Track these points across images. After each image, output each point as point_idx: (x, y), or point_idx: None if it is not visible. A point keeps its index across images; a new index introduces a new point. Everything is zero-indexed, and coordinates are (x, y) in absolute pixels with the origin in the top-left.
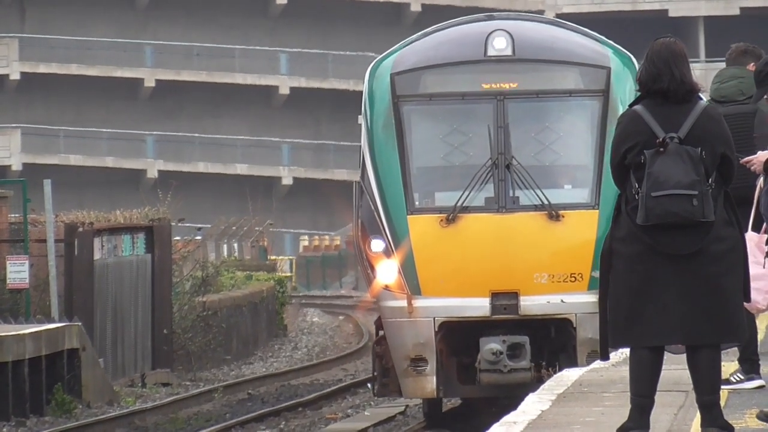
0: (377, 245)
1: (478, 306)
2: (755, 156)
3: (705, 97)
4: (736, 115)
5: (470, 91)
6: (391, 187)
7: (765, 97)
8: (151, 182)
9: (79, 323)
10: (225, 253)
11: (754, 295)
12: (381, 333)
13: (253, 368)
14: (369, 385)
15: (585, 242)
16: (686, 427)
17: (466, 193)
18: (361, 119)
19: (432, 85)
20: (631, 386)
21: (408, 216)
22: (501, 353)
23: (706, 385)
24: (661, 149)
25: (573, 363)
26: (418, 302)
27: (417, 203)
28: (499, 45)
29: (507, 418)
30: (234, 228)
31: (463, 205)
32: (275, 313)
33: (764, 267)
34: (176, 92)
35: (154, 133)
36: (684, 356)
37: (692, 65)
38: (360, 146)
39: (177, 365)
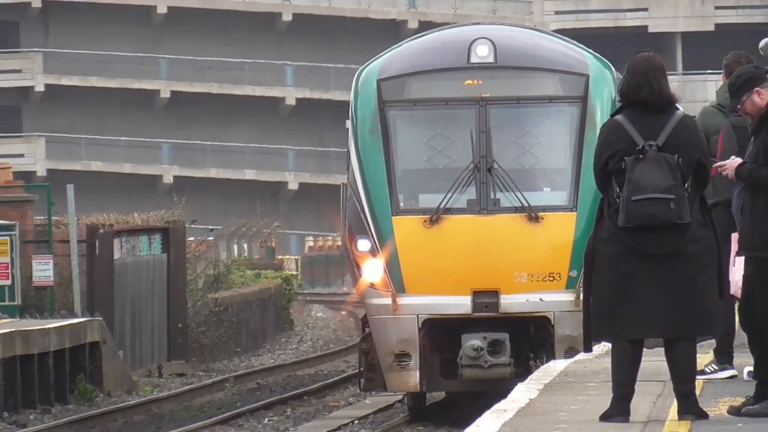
0: (363, 245)
1: (460, 304)
2: (728, 161)
3: (682, 108)
4: (745, 128)
5: (453, 97)
6: (377, 189)
7: (738, 107)
8: (166, 187)
9: (100, 318)
10: (235, 253)
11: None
12: (367, 330)
13: (262, 360)
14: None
15: (563, 243)
16: (664, 414)
17: (449, 195)
18: (348, 123)
19: (416, 90)
20: (612, 376)
21: (393, 217)
22: (482, 349)
23: (683, 375)
24: (641, 156)
25: (551, 359)
26: (403, 300)
27: (402, 205)
28: (482, 52)
29: (498, 406)
30: (243, 229)
31: (446, 206)
32: (282, 309)
33: (733, 265)
34: (189, 103)
35: (169, 141)
36: (661, 349)
37: (670, 78)
38: (347, 150)
39: (191, 357)
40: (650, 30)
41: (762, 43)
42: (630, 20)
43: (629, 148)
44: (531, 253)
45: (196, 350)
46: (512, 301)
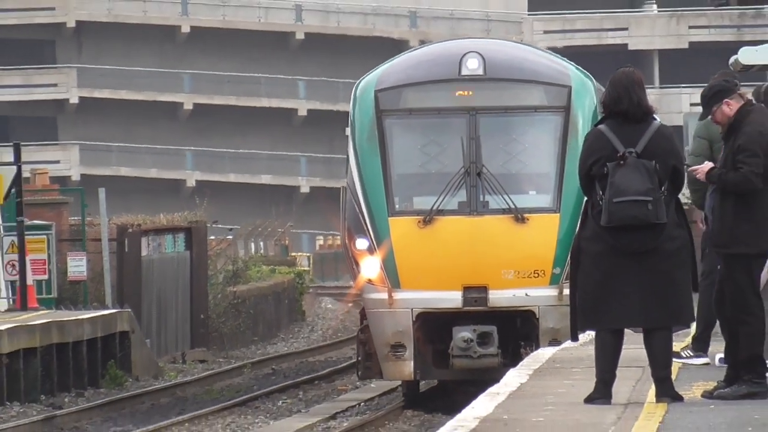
0: (362, 244)
1: (452, 298)
2: (700, 166)
3: (659, 118)
4: None
5: (445, 107)
6: (374, 192)
7: (709, 117)
8: (189, 190)
9: (129, 310)
10: (252, 251)
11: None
12: (365, 322)
13: (277, 347)
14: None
15: (547, 242)
16: (643, 397)
17: (441, 197)
18: (348, 131)
19: (411, 100)
20: (596, 363)
21: (389, 218)
22: (471, 341)
23: (660, 361)
24: (622, 162)
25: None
26: (398, 295)
27: (397, 206)
28: (472, 65)
29: (491, 390)
30: (260, 229)
31: (439, 208)
32: (295, 301)
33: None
34: (210, 114)
35: (192, 148)
36: (641, 336)
37: (648, 91)
38: (347, 155)
39: (212, 345)
40: (630, 47)
41: (732, 59)
42: (611, 39)
43: (611, 155)
44: (517, 251)
45: (217, 339)
46: (500, 296)
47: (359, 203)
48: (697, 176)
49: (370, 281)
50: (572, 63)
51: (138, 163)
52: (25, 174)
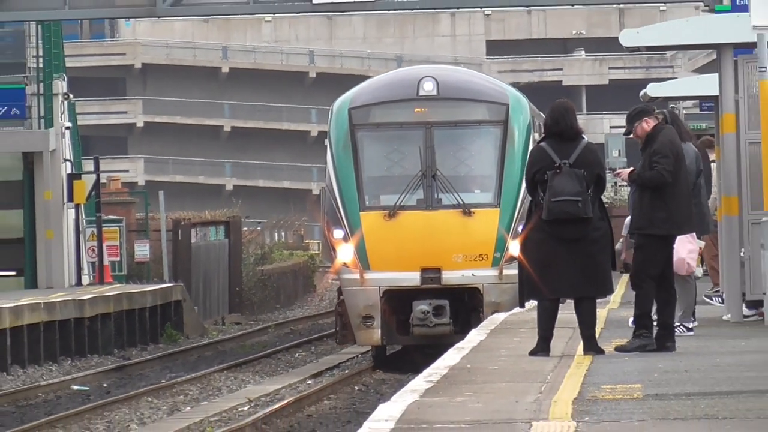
0: (338, 234)
1: (412, 278)
2: (623, 169)
3: (586, 137)
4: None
5: (406, 121)
6: (348, 191)
7: (632, 131)
8: (228, 193)
9: (182, 284)
10: (276, 239)
11: (689, 261)
12: (341, 298)
13: (294, 313)
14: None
15: (490, 232)
16: (574, 351)
17: (403, 195)
18: (326, 142)
19: (379, 116)
20: (538, 324)
21: (361, 212)
22: (428, 313)
23: (587, 323)
24: (558, 170)
25: (482, 320)
26: (368, 275)
27: (367, 203)
28: (428, 87)
29: (458, 345)
30: (281, 222)
31: (401, 204)
32: (308, 278)
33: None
34: (244, 134)
35: (230, 161)
36: (572, 305)
37: (578, 116)
38: (325, 162)
39: (245, 311)
40: (564, 83)
41: (642, 92)
42: (550, 77)
43: (550, 165)
44: (465, 239)
45: (248, 306)
46: (451, 276)
47: (336, 200)
48: (621, 177)
49: (345, 264)
50: (509, 84)
51: (189, 171)
52: (102, 180)
